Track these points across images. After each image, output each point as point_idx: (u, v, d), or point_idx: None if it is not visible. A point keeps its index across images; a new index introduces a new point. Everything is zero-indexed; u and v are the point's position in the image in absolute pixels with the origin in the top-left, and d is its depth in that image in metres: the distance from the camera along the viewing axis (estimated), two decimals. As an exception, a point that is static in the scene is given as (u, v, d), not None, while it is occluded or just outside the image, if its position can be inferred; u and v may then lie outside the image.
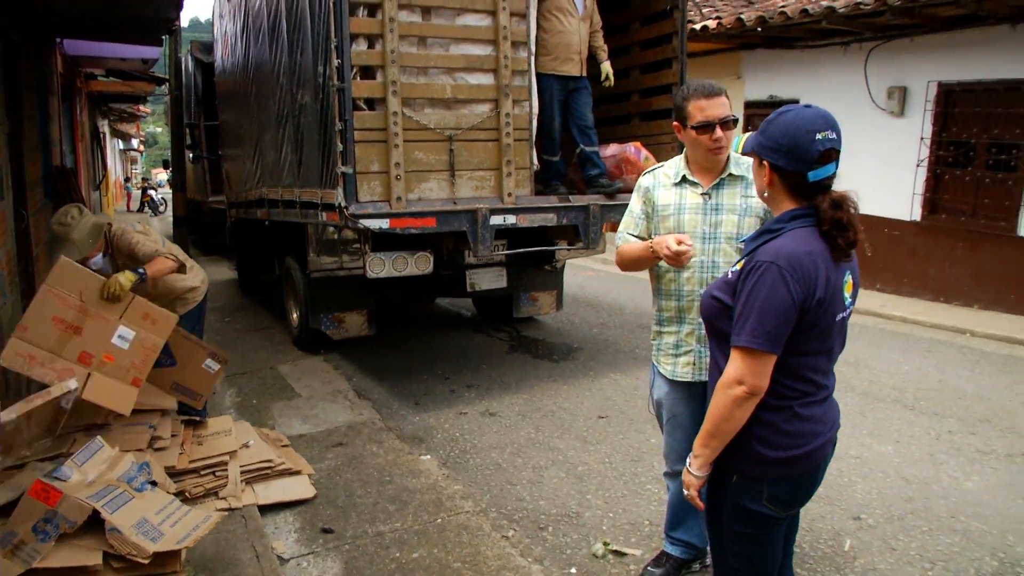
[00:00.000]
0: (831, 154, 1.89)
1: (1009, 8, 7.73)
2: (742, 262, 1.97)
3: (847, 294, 1.98)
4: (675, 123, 2.78)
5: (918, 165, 8.96)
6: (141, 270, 3.73)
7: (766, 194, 2.00)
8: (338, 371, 6.33)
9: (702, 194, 2.77)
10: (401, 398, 5.61)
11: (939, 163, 8.85)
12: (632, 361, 6.46)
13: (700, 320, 2.73)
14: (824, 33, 9.75)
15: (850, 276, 1.99)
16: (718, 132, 2.65)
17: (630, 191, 6.13)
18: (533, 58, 5.36)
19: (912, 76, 8.99)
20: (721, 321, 2.01)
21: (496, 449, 4.64)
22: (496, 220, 5.16)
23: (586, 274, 10.93)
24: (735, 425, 1.95)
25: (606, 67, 5.97)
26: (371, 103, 4.79)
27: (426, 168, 4.96)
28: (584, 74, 5.83)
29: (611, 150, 6.09)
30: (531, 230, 5.59)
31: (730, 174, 2.75)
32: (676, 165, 2.87)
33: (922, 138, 8.89)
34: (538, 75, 5.50)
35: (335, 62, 4.53)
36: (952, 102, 8.71)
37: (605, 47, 5.98)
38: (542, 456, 4.52)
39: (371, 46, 4.74)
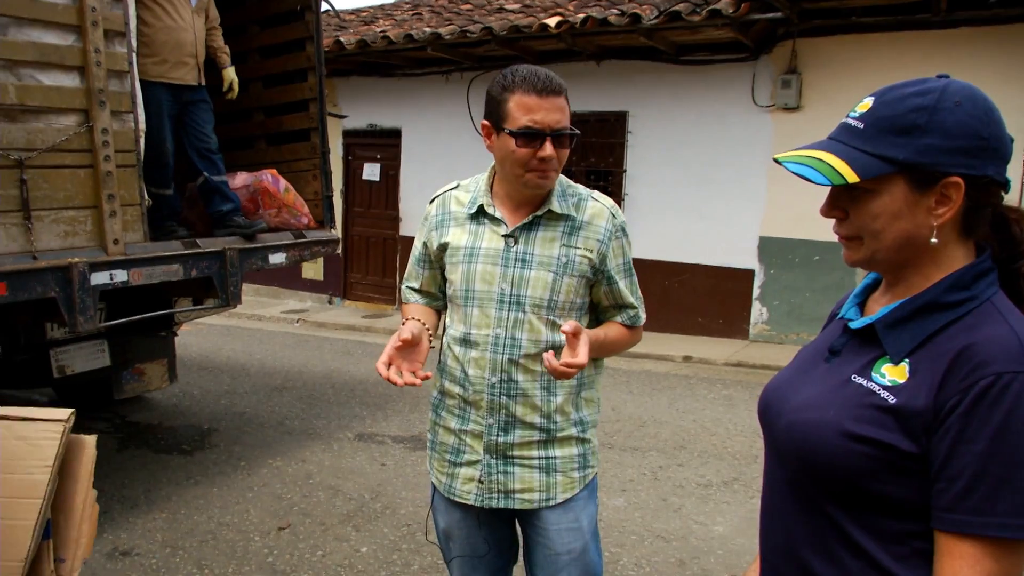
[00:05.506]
0: None
1: (595, 47, 8.31)
2: (903, 367, 1.06)
3: None
4: (484, 122, 1.83)
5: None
6: None
7: (934, 240, 1.07)
8: None
9: (505, 236, 1.86)
10: (-39, 556, 3.70)
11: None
12: (287, 438, 5.26)
13: (494, 422, 1.85)
14: (425, 62, 9.60)
15: None
16: (547, 149, 1.73)
17: (273, 230, 5.08)
18: (135, 56, 3.96)
19: (512, 106, 9.20)
20: (878, 481, 1.05)
21: (149, 613, 3.17)
22: (100, 278, 3.72)
23: (183, 328, 9.15)
24: None
25: (229, 74, 4.78)
26: None
27: (-16, 208, 3.30)
28: (203, 83, 4.55)
29: (241, 179, 4.91)
30: (145, 287, 4.15)
31: (549, 211, 1.85)
32: (475, 187, 1.94)
33: (527, 166, 9.13)
34: (140, 82, 4.09)
35: None
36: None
37: (227, 48, 4.77)
38: (224, 608, 3.19)
39: None
